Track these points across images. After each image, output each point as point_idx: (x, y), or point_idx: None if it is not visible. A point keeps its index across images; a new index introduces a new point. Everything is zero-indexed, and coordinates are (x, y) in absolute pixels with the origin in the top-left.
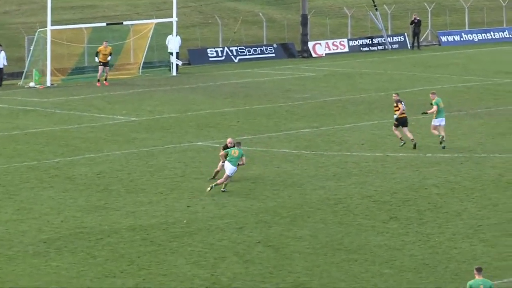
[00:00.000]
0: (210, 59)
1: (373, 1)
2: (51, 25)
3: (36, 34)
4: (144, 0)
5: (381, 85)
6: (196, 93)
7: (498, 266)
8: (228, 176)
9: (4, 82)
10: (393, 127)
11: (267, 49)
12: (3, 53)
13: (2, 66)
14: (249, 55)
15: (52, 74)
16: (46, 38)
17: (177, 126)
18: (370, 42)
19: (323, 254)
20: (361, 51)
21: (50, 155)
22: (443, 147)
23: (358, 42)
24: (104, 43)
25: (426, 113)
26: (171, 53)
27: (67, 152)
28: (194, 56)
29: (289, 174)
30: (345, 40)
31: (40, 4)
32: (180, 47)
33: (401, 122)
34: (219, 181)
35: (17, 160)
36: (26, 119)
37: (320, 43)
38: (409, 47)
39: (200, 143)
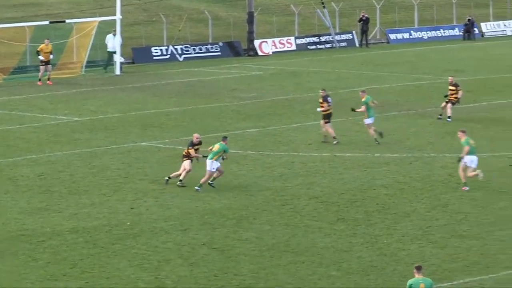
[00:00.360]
0: (155, 57)
1: None
2: None
3: None
4: None
5: (329, 84)
6: (141, 92)
7: (448, 268)
8: (210, 172)
9: None
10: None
11: (212, 47)
12: None
13: None
14: (194, 53)
15: None
16: None
17: (121, 126)
18: (318, 40)
19: (269, 256)
20: (308, 49)
21: None
22: (378, 143)
23: (305, 40)
24: (46, 41)
25: (355, 110)
26: (110, 52)
27: (8, 153)
28: (138, 54)
29: (235, 175)
30: (292, 38)
31: None
32: (121, 45)
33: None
34: (202, 180)
35: None
36: None
37: (266, 41)
38: (357, 45)
39: (145, 143)
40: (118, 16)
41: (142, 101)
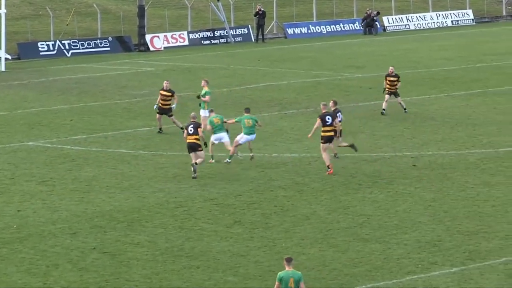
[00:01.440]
0: (41, 53)
1: None
2: None
3: None
4: None
5: (224, 80)
6: (27, 89)
7: (350, 273)
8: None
9: None
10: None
11: (101, 42)
12: None
13: None
14: (83, 49)
15: None
16: None
17: (7, 125)
18: (212, 35)
19: (163, 261)
20: (203, 44)
21: None
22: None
23: (199, 35)
24: None
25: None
26: None
27: None
28: (24, 50)
29: (126, 175)
30: (185, 33)
31: None
32: (5, 40)
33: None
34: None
35: None
36: None
37: (158, 36)
38: (253, 40)
39: (31, 143)
40: (2, 10)
41: (28, 99)
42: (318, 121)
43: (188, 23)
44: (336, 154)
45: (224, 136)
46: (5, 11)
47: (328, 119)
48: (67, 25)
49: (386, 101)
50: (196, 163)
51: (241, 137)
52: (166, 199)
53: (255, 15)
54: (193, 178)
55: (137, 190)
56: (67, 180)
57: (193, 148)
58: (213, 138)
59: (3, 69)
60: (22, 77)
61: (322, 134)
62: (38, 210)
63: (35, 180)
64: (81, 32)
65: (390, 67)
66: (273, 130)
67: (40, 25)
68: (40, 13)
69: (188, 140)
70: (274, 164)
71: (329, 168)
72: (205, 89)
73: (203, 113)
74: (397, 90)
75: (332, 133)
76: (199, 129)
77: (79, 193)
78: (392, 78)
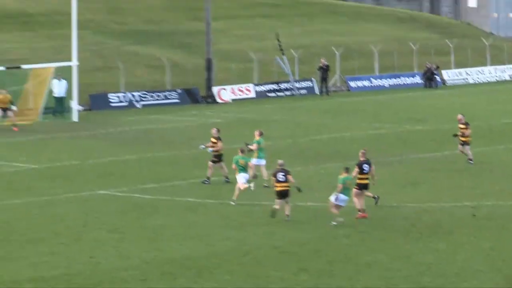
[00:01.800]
0: (112, 104)
1: (280, 46)
2: None
3: None
4: (44, 43)
5: (289, 132)
6: (98, 140)
7: None
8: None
9: None
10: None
11: (170, 94)
12: None
13: None
14: (152, 100)
15: None
16: None
17: (78, 174)
18: (277, 88)
19: None
20: (268, 96)
21: None
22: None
23: (265, 88)
24: (3, 91)
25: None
26: (57, 98)
27: None
28: (95, 101)
29: (194, 224)
30: (251, 85)
31: None
32: (66, 91)
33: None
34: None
35: None
36: None
37: (225, 89)
38: (317, 93)
39: (102, 191)
40: (74, 63)
41: (99, 149)
42: (356, 169)
43: (254, 76)
44: (375, 197)
45: (247, 176)
46: (77, 63)
47: (365, 167)
48: (137, 77)
49: (461, 151)
50: (288, 215)
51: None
52: (233, 247)
53: (319, 69)
54: (271, 217)
55: (204, 238)
56: (137, 228)
57: (284, 195)
58: (238, 178)
59: (75, 119)
60: (93, 128)
61: (358, 181)
62: (109, 257)
63: (106, 227)
64: (151, 84)
65: (459, 115)
66: (335, 180)
67: (111, 78)
68: (111, 65)
69: (278, 188)
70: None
71: (359, 212)
72: (256, 138)
73: (254, 161)
74: (468, 139)
75: (367, 181)
76: (289, 176)
77: (149, 240)
78: (461, 126)
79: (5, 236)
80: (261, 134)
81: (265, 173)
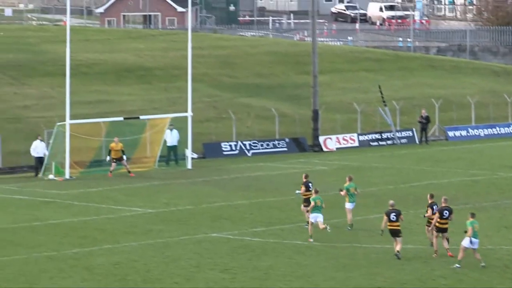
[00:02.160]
0: (224, 152)
1: (382, 97)
2: (70, 119)
3: (55, 128)
4: (160, 95)
5: (390, 178)
6: (210, 185)
7: None
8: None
9: (24, 175)
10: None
11: (279, 143)
12: (43, 143)
13: (42, 155)
14: (262, 149)
15: (71, 166)
16: (65, 132)
17: (192, 218)
18: (380, 137)
19: None
20: (371, 145)
21: (69, 246)
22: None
23: (368, 137)
24: (115, 139)
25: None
26: (169, 147)
27: (85, 243)
28: (208, 149)
29: (301, 265)
30: (355, 135)
31: (59, 99)
32: (179, 141)
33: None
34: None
35: (37, 250)
36: (46, 210)
37: (330, 138)
38: (417, 142)
39: (215, 234)
40: (189, 113)
41: (212, 194)
42: (437, 214)
43: (358, 126)
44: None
45: (319, 216)
46: (191, 114)
47: (445, 213)
48: (247, 127)
49: None
50: (398, 251)
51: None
52: (338, 287)
53: (419, 120)
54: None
55: (310, 278)
56: (247, 268)
57: (395, 233)
58: (311, 217)
59: (189, 167)
60: (207, 175)
61: (438, 225)
62: None
63: (218, 268)
64: (261, 134)
65: None
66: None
67: (224, 127)
68: (224, 116)
69: (390, 227)
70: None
71: (435, 253)
72: (347, 183)
73: (347, 205)
74: None
75: (446, 226)
76: (400, 216)
77: (259, 281)
78: None
79: (122, 276)
80: (350, 180)
81: (349, 217)
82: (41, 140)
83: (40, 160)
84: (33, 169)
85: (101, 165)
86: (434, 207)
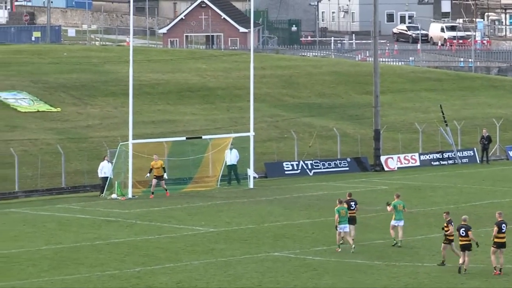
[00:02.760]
0: (286, 172)
1: (443, 117)
2: (133, 138)
3: (118, 147)
4: (223, 115)
5: (451, 198)
6: (272, 205)
7: None
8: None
9: (87, 194)
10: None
11: (341, 162)
12: (110, 164)
13: (109, 176)
14: (324, 168)
15: (133, 186)
16: (128, 151)
17: (254, 237)
18: (441, 157)
19: None
20: (432, 165)
21: (131, 265)
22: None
23: (429, 157)
24: (155, 156)
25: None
26: (229, 166)
27: (147, 261)
28: (270, 169)
29: (362, 284)
30: (417, 154)
31: (122, 118)
32: (238, 161)
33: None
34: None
35: (99, 269)
36: (108, 229)
37: (392, 157)
38: (478, 162)
39: (277, 253)
40: (251, 133)
41: (274, 213)
42: (495, 228)
43: (419, 145)
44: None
45: (346, 227)
46: (253, 134)
47: (503, 226)
48: (309, 147)
49: None
50: (462, 263)
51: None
52: None
53: (480, 139)
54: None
55: None
56: (309, 287)
57: (465, 248)
58: (339, 228)
59: (251, 186)
60: (268, 194)
61: (496, 240)
62: None
63: (280, 287)
64: (322, 153)
65: None
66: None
67: (285, 147)
68: (286, 136)
69: (460, 241)
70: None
71: (495, 269)
72: (395, 200)
73: (393, 222)
74: None
75: (504, 240)
76: (469, 232)
77: None
78: None
79: None
80: (398, 197)
81: (400, 234)
82: (108, 161)
83: (106, 180)
84: (99, 188)
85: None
86: (451, 224)
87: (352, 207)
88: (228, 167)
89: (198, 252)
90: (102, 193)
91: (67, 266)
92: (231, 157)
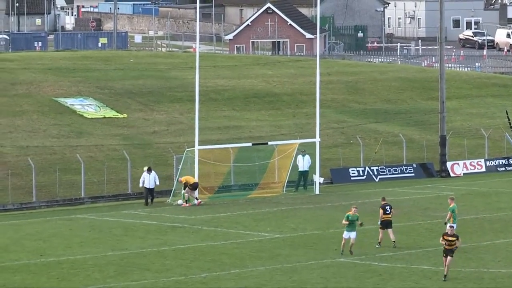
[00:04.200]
0: (352, 178)
1: (509, 123)
2: (199, 145)
3: (184, 153)
4: (288, 121)
5: None
6: (338, 211)
7: None
8: None
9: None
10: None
11: (406, 168)
12: (154, 174)
13: (153, 186)
14: (389, 174)
15: (199, 192)
16: (194, 157)
17: (320, 242)
18: (507, 162)
19: None
20: (498, 171)
21: (197, 270)
22: None
23: (495, 163)
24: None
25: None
26: (301, 172)
27: (213, 267)
28: (336, 175)
29: None
30: (482, 160)
31: (188, 124)
32: (310, 166)
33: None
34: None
35: (165, 275)
36: (174, 235)
37: (458, 163)
38: None
39: (342, 259)
40: (317, 139)
41: (339, 219)
42: None
43: (485, 151)
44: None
45: (352, 233)
46: (319, 140)
47: None
48: (375, 153)
49: None
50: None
51: None
52: None
53: None
54: None
55: None
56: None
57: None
58: (344, 234)
59: (317, 192)
60: (334, 200)
61: None
62: None
63: None
64: (388, 159)
65: None
66: None
67: (351, 153)
68: (351, 142)
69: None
70: None
71: None
72: (451, 205)
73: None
74: None
75: None
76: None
77: None
78: None
79: None
80: (452, 200)
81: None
82: (149, 172)
83: (150, 191)
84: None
85: (230, 190)
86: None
87: (388, 211)
88: (300, 173)
89: (263, 258)
90: (146, 203)
91: (133, 272)
92: (304, 163)
